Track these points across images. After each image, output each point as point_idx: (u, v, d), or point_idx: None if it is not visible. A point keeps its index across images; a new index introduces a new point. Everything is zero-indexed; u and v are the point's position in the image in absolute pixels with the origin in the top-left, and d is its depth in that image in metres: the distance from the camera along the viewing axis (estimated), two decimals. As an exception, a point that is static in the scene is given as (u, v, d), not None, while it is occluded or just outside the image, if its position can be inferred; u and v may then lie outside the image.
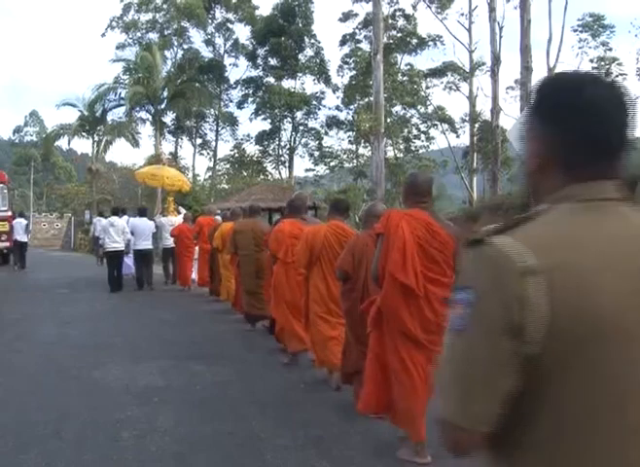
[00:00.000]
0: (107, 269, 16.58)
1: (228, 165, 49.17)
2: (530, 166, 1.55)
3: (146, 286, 16.77)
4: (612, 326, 1.31)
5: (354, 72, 42.46)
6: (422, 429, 4.83)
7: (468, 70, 37.56)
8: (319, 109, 46.81)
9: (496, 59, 29.30)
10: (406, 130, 41.42)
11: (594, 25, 33.00)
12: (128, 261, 17.33)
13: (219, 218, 15.18)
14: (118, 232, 16.16)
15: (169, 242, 17.33)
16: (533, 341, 1.30)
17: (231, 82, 49.18)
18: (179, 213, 19.25)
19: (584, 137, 1.44)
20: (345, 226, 7.37)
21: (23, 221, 24.14)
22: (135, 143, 44.21)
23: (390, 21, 39.75)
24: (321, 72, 46.14)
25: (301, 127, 46.79)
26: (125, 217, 17.73)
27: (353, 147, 43.41)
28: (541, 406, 1.35)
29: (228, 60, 49.26)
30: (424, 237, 4.93)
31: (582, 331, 1.30)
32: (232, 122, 49.80)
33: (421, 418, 4.84)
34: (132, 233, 16.56)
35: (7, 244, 24.39)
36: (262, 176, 45.96)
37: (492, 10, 29.94)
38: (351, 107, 43.38)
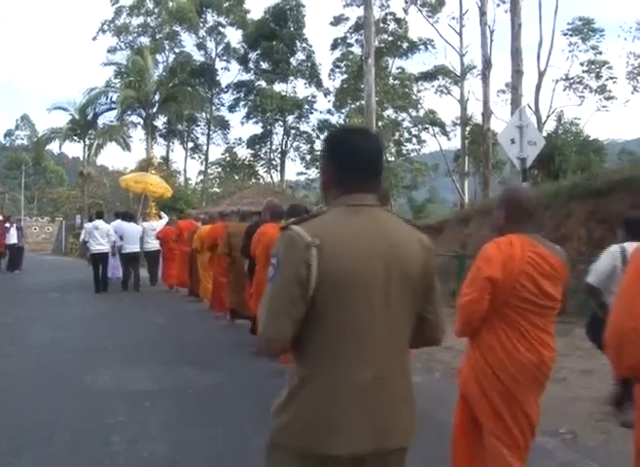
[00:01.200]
0: (92, 271, 16.97)
1: (219, 169, 49.29)
2: (323, 185, 2.52)
3: (132, 288, 17.07)
4: (356, 277, 2.23)
5: (345, 76, 42.61)
6: None
7: (459, 74, 37.70)
8: (311, 113, 47.08)
9: (487, 63, 29.37)
10: (397, 134, 41.55)
11: (584, 29, 33.21)
12: (115, 263, 17.77)
13: (199, 224, 15.56)
14: (102, 234, 16.69)
15: (151, 245, 17.77)
16: (311, 287, 2.18)
17: (223, 85, 49.45)
18: (161, 218, 19.90)
19: (350, 168, 2.38)
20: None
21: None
22: (127, 147, 44.22)
23: (381, 25, 39.89)
24: (312, 76, 46.27)
25: (292, 131, 46.94)
26: (118, 221, 17.94)
27: (345, 151, 43.47)
28: (317, 324, 2.23)
29: (219, 64, 49.52)
30: None
31: (338, 280, 2.20)
32: (224, 125, 49.89)
33: None
34: (121, 238, 17.11)
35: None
36: (253, 180, 46.06)
37: (483, 14, 30.04)
38: (343, 111, 43.56)
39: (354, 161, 2.38)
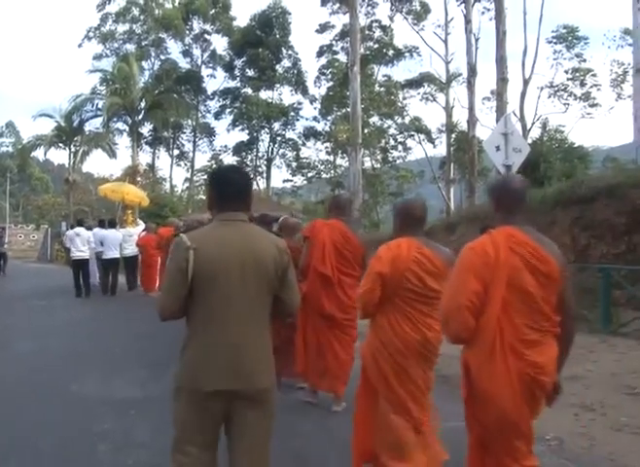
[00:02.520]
0: (72, 276, 17.77)
1: (205, 176, 49.15)
2: (208, 206, 3.60)
3: (109, 293, 17.88)
4: (220, 270, 3.25)
5: (331, 83, 42.66)
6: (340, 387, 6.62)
7: (444, 81, 37.84)
8: (297, 120, 47.07)
9: (472, 70, 29.50)
10: (383, 141, 41.61)
11: (569, 37, 33.40)
12: (94, 269, 18.65)
13: None
14: (83, 241, 17.58)
15: (129, 251, 18.32)
16: (189, 276, 3.21)
17: (209, 93, 49.40)
18: (137, 225, 20.84)
19: (223, 194, 3.45)
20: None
21: None
22: (112, 154, 44.08)
23: (367, 33, 40.03)
24: (298, 83, 46.32)
25: (278, 138, 46.94)
26: (97, 228, 18.69)
27: (331, 158, 43.59)
28: (196, 301, 3.28)
29: (205, 71, 49.48)
30: (339, 241, 6.70)
31: (208, 272, 3.23)
32: (210, 132, 49.87)
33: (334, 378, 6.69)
34: (102, 243, 17.84)
35: None
36: (239, 187, 45.93)
37: (468, 21, 30.18)
38: (329, 118, 43.58)
39: (226, 189, 3.47)
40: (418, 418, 4.43)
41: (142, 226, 20.12)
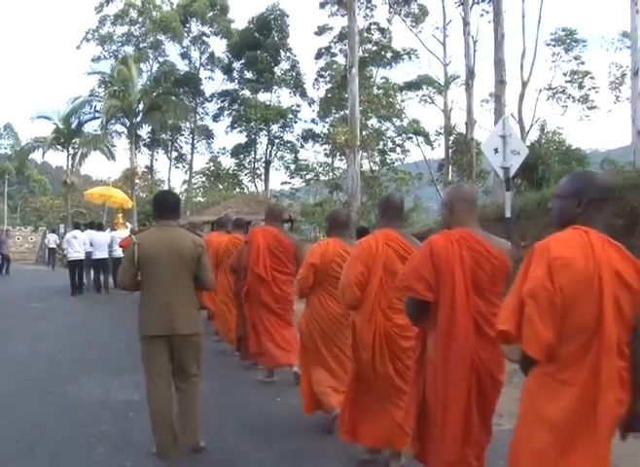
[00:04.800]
0: (69, 276, 19.14)
1: (203, 179, 49.18)
2: (153, 216, 5.75)
3: (103, 291, 19.60)
4: (154, 257, 5.14)
5: (330, 85, 42.66)
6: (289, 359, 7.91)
7: (443, 83, 37.84)
8: (295, 122, 47.02)
9: (470, 73, 29.54)
10: (381, 143, 41.56)
11: (567, 39, 33.40)
12: (87, 269, 19.90)
13: None
14: (79, 243, 18.91)
15: (117, 253, 18.75)
16: (136, 262, 5.15)
17: (207, 95, 49.38)
18: (126, 227, 21.87)
19: (160, 208, 5.45)
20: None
21: None
22: (111, 156, 43.92)
23: (365, 35, 40.03)
24: (297, 85, 46.33)
25: (276, 141, 46.91)
26: (88, 230, 19.99)
27: (329, 160, 43.55)
28: (142, 277, 5.24)
29: (203, 73, 49.49)
30: (273, 244, 8.01)
31: (147, 259, 5.13)
32: (208, 135, 49.86)
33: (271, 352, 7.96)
34: (92, 245, 19.14)
35: None
36: (237, 189, 46.01)
37: (466, 24, 30.23)
38: (327, 120, 43.57)
39: (162, 206, 5.46)
40: (336, 370, 6.03)
41: (129, 228, 21.03)
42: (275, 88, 46.64)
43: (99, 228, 20.72)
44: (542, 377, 3.01)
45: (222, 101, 47.77)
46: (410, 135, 40.88)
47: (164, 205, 5.44)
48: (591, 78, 33.52)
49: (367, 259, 4.89)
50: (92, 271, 19.79)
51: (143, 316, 5.24)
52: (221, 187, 46.16)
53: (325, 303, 6.05)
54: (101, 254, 19.28)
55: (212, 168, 47.95)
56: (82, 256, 18.81)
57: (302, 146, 46.09)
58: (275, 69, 45.87)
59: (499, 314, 3.14)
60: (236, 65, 46.83)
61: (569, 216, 3.18)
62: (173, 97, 42.99)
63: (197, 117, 49.14)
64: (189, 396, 5.41)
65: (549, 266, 2.91)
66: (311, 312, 6.16)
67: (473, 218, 4.15)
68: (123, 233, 20.11)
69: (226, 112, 47.22)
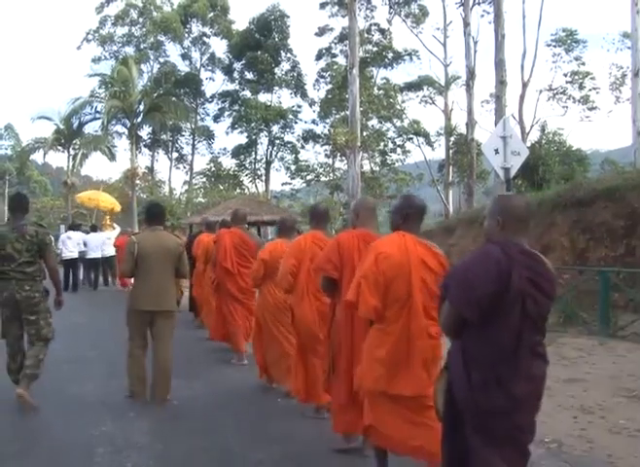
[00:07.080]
0: (63, 274, 18.94)
1: (204, 179, 49.13)
2: (144, 223, 9.45)
3: (90, 287, 21.02)
4: (147, 254, 6.94)
5: (330, 86, 42.60)
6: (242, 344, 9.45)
7: (443, 84, 37.89)
8: (295, 123, 46.97)
9: (471, 73, 29.57)
10: (382, 144, 41.56)
11: (567, 40, 33.40)
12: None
13: None
14: (73, 243, 20.25)
15: (107, 252, 20.56)
16: (135, 255, 6.92)
17: (208, 95, 49.35)
18: (114, 228, 22.86)
19: (149, 216, 7.56)
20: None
21: None
22: (111, 157, 43.93)
23: (366, 36, 39.99)
24: (297, 86, 46.31)
25: (277, 141, 46.88)
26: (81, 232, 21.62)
27: (329, 161, 43.50)
28: (138, 267, 7.00)
29: (204, 74, 49.45)
30: (238, 243, 9.43)
31: (143, 255, 6.99)
32: (209, 135, 49.84)
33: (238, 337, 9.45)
34: (85, 245, 20.59)
35: None
36: (238, 190, 45.92)
37: (467, 24, 30.26)
38: (327, 121, 43.52)
39: (151, 214, 7.47)
40: (283, 343, 7.40)
41: (118, 229, 22.27)
42: (276, 88, 46.62)
43: (93, 229, 22.61)
44: (375, 331, 4.51)
45: (222, 102, 47.75)
46: (411, 136, 40.92)
47: (153, 214, 7.46)
48: (592, 78, 33.56)
49: (297, 254, 6.33)
50: (85, 270, 21.56)
51: (135, 295, 7.10)
52: (221, 187, 46.08)
53: (273, 291, 7.56)
54: (95, 254, 20.68)
55: (213, 169, 47.91)
56: (75, 255, 20.15)
57: (303, 147, 46.07)
58: (276, 70, 45.81)
59: (349, 290, 4.53)
60: (237, 66, 46.80)
61: (395, 225, 4.68)
62: (174, 98, 42.89)
63: (198, 117, 49.17)
64: (163, 354, 7.06)
65: (375, 257, 4.38)
66: (263, 299, 7.84)
67: (373, 222, 5.60)
68: (111, 233, 21.65)
69: (226, 113, 47.20)
